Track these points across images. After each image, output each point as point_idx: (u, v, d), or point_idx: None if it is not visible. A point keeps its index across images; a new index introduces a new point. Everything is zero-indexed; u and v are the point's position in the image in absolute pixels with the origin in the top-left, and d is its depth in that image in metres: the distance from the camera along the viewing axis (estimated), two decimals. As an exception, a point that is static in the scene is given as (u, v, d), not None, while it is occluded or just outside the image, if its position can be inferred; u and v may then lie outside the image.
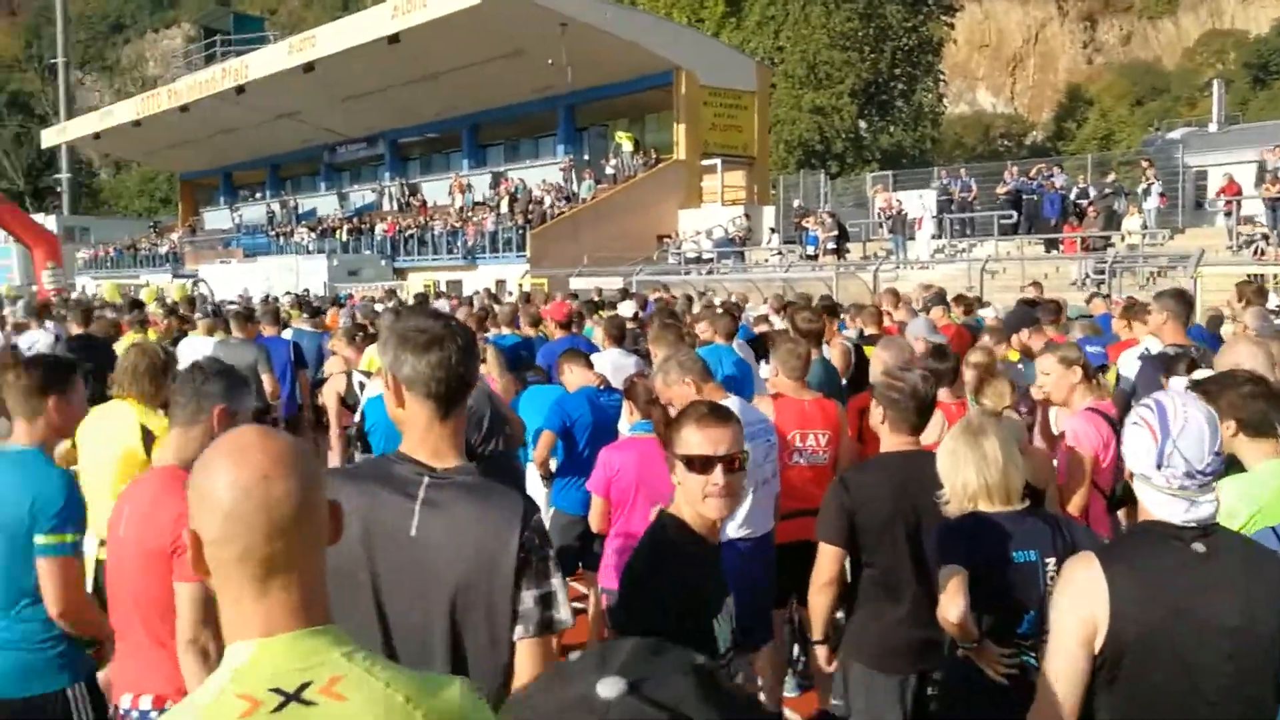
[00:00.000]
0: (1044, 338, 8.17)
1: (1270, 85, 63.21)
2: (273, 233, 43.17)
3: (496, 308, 13.79)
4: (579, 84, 31.21)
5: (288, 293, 23.87)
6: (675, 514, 2.79)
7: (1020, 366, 7.61)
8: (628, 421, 5.32)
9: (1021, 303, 10.23)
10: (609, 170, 32.86)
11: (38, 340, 12.15)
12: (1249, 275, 15.09)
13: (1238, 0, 76.07)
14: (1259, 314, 7.19)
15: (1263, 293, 9.22)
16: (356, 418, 6.77)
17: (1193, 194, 25.11)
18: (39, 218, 48.14)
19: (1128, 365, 6.73)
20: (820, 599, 3.79)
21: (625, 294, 18.71)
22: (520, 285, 25.68)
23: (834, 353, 7.49)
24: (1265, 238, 19.35)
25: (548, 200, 32.39)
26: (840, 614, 4.00)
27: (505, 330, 10.83)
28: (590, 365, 6.70)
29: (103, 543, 4.48)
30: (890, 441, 3.87)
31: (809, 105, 47.37)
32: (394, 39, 31.07)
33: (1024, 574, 3.24)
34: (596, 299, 16.63)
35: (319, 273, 31.26)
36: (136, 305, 15.70)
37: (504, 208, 33.06)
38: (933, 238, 24.46)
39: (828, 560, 3.78)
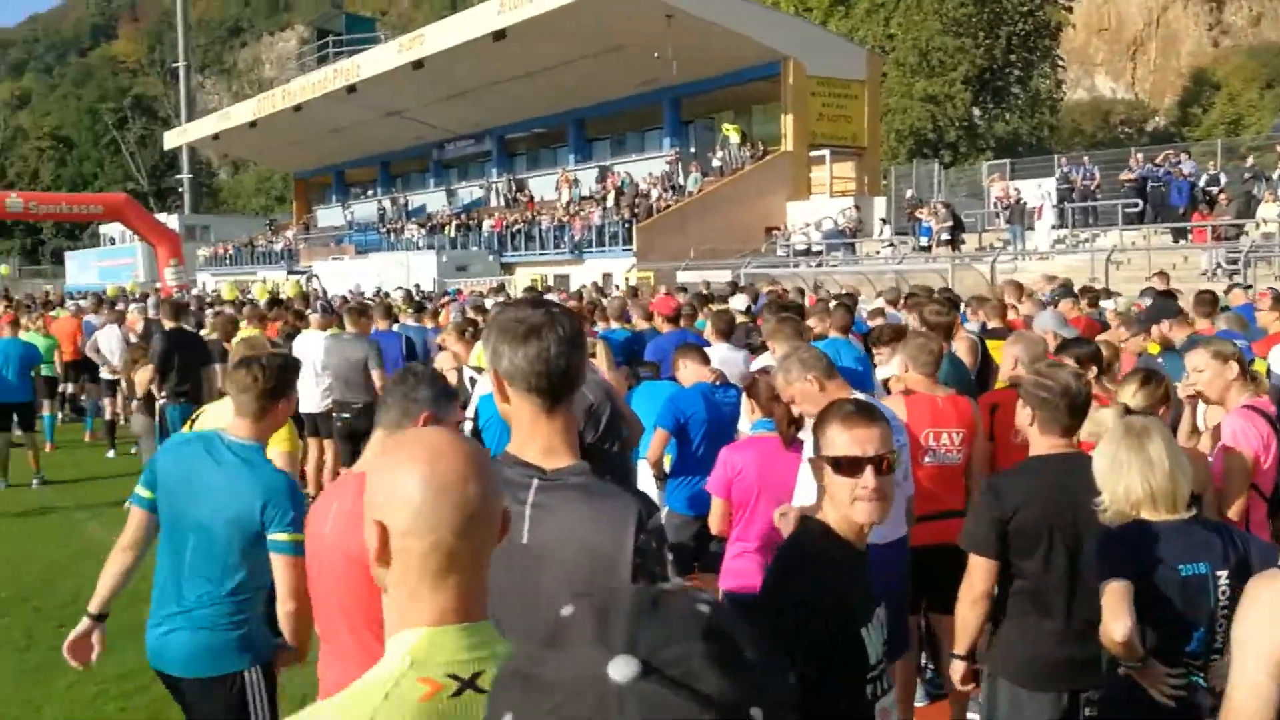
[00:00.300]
0: (1186, 330, 7.72)
1: None
2: (383, 229, 43.92)
3: (604, 301, 13.68)
4: (684, 76, 31.00)
5: (399, 288, 24.16)
6: (820, 518, 2.61)
7: (1160, 360, 7.19)
8: (748, 420, 5.10)
9: (1157, 294, 9.72)
10: (715, 163, 32.60)
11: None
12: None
13: (1375, -23, 72.41)
14: None
15: None
16: (469, 413, 6.68)
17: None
18: (162, 217, 49.85)
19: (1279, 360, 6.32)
20: (973, 613, 3.53)
21: (734, 287, 18.45)
22: (627, 279, 25.59)
23: (960, 347, 7.14)
24: None
25: (654, 194, 32.28)
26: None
27: (614, 324, 10.69)
28: (706, 360, 6.49)
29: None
30: (1041, 444, 3.58)
31: (921, 93, 46.35)
32: (500, 35, 31.29)
33: (1193, 588, 3.03)
34: (705, 292, 16.39)
35: (429, 268, 31.65)
36: (276, 303, 15.97)
37: (610, 201, 33.07)
38: (1053, 228, 23.66)
39: (980, 573, 3.51)
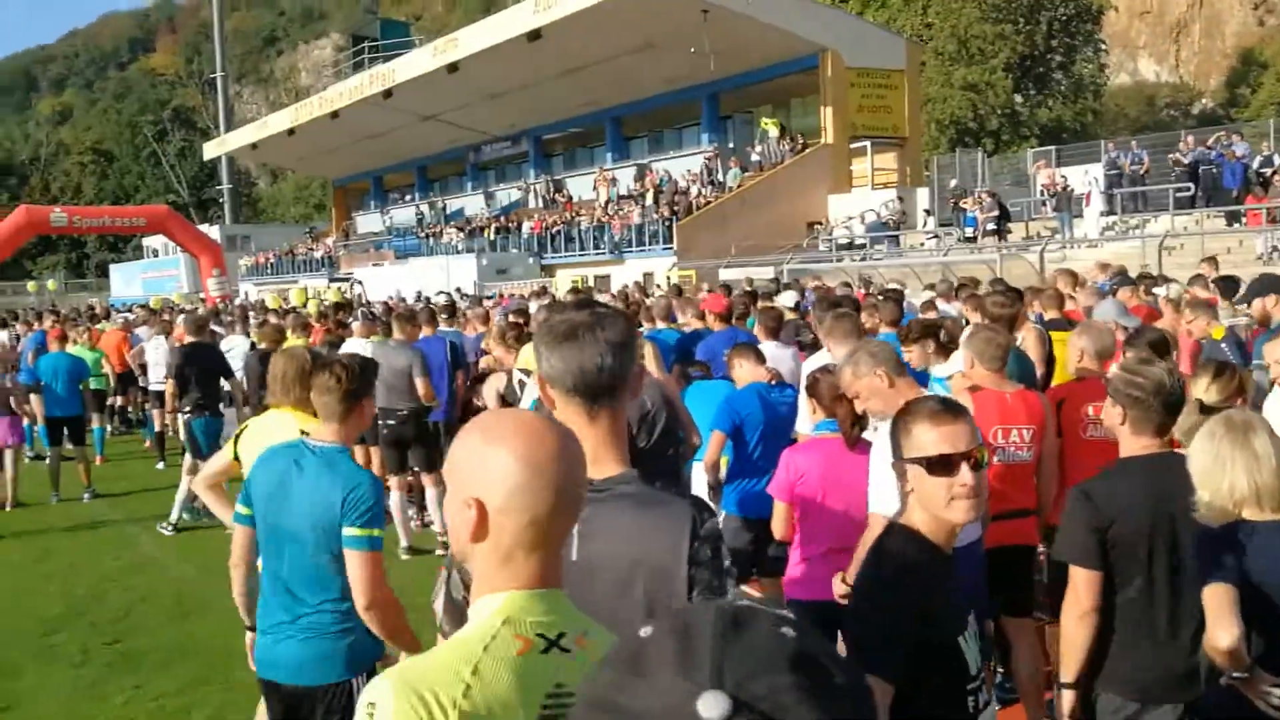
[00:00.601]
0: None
1: None
2: (422, 234, 44.04)
3: (648, 301, 13.53)
4: (721, 71, 30.81)
5: (440, 292, 24.15)
6: (905, 523, 2.46)
7: (1224, 346, 6.93)
8: (810, 421, 4.93)
9: (1222, 279, 9.41)
10: (755, 158, 32.38)
11: (235, 345, 12.63)
12: None
13: None
14: None
15: None
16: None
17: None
18: (203, 228, 50.34)
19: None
20: (1081, 631, 3.30)
21: (779, 284, 18.27)
22: (668, 278, 25.44)
23: (1028, 339, 6.91)
24: None
25: (693, 190, 32.10)
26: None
27: (660, 324, 10.52)
28: (761, 359, 6.32)
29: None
30: (1132, 444, 3.38)
31: (961, 82, 45.81)
32: (535, 35, 31.27)
33: (1302, 592, 2.84)
34: (748, 288, 16.20)
35: (469, 272, 31.67)
36: (341, 307, 15.99)
37: (649, 200, 32.92)
38: (1101, 214, 23.22)
39: (1085, 586, 3.28)
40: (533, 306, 12.41)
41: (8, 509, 10.92)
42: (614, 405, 2.09)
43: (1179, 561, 3.20)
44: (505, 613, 1.51)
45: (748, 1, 28.04)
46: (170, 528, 9.77)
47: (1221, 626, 2.77)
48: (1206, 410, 3.73)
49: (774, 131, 32.36)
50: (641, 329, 10.02)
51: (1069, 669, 3.35)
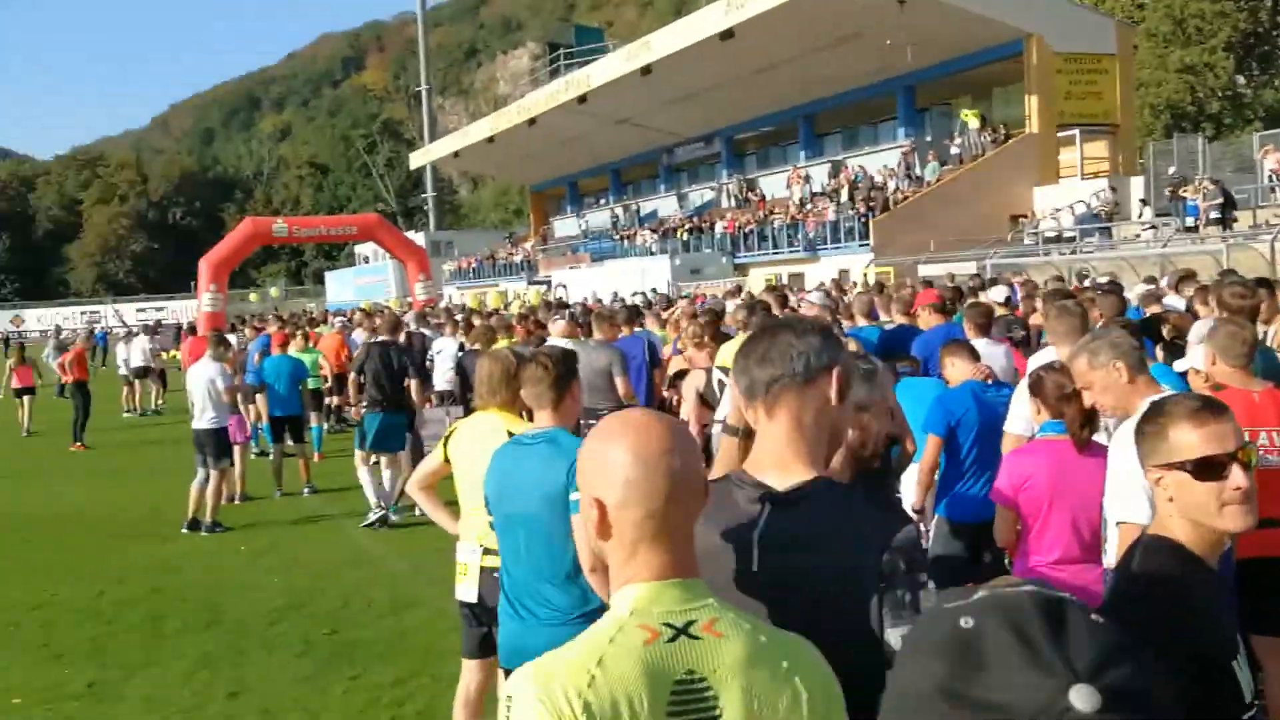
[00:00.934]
0: None
1: None
2: (617, 236, 44.62)
3: (848, 298, 13.24)
4: (919, 63, 30.00)
5: (635, 293, 24.35)
6: (1161, 534, 2.22)
7: None
8: (1034, 422, 4.64)
9: None
10: (954, 150, 31.38)
11: (444, 347, 13.10)
12: None
13: None
14: None
15: None
16: (718, 415, 6.46)
17: None
18: (409, 235, 52.38)
19: None
20: None
21: (980, 279, 17.60)
22: (865, 275, 24.91)
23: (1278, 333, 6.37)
24: None
25: (890, 186, 31.37)
26: None
27: (862, 321, 10.25)
28: (975, 356, 6.03)
29: (487, 551, 4.40)
30: None
31: (1177, 64, 43.16)
32: (727, 35, 31.17)
33: None
34: (954, 284, 15.67)
35: (663, 273, 31.83)
36: (562, 304, 16.29)
37: (844, 197, 32.37)
38: (1340, 199, 21.46)
39: None
40: (729, 306, 12.29)
41: (236, 502, 11.56)
42: (803, 404, 1.98)
43: None
44: (633, 605, 1.57)
45: (946, -11, 27.19)
46: (377, 522, 10.10)
47: None
48: None
49: (974, 123, 31.26)
50: (842, 326, 9.78)
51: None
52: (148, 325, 32.48)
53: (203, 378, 10.58)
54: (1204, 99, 43.51)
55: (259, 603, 7.88)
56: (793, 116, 39.38)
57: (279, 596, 8.03)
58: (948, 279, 18.00)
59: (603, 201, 53.50)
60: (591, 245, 45.38)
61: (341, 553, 9.36)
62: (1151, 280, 12.68)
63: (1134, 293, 11.49)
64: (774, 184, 39.70)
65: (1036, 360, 5.97)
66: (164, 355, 25.07)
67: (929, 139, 33.60)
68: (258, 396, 12.49)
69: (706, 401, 7.88)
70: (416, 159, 62.23)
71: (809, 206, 34.10)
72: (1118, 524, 3.53)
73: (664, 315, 14.27)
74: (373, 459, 10.39)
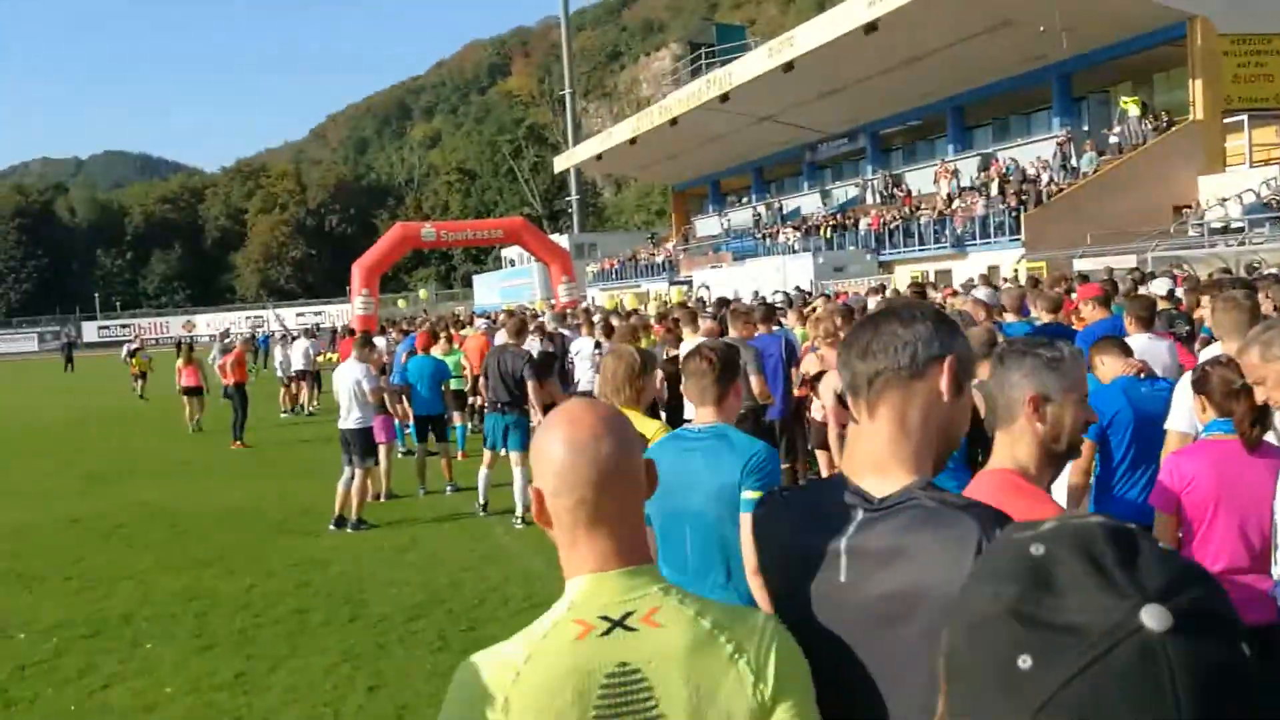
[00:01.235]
0: None
1: None
2: (759, 235, 44.32)
3: (994, 294, 12.79)
4: (1074, 49, 28.82)
5: (776, 292, 24.07)
6: None
7: None
8: (1199, 421, 4.30)
9: None
10: (1112, 140, 30.08)
11: (582, 348, 13.20)
12: None
13: None
14: None
15: None
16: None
17: None
18: (554, 238, 53.13)
19: None
20: None
21: (1140, 272, 16.78)
22: (1015, 271, 24.09)
23: None
24: None
25: (1043, 179, 30.29)
26: None
27: (1011, 317, 9.87)
28: (1126, 351, 5.69)
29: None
30: None
31: (1356, 42, 40.58)
32: (871, 27, 30.56)
33: None
34: (1108, 279, 14.98)
35: (805, 271, 31.41)
36: (702, 304, 16.32)
37: (994, 190, 31.41)
38: None
39: None
40: (870, 304, 11.98)
41: (382, 500, 11.81)
42: (909, 400, 1.77)
43: None
44: (572, 599, 1.58)
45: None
46: (519, 520, 10.22)
47: None
48: None
49: (1134, 110, 29.91)
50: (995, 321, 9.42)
51: None
52: (307, 329, 33.68)
53: (348, 379, 10.82)
54: (1388, 78, 40.70)
55: (399, 598, 7.99)
56: (940, 109, 38.43)
57: (419, 593, 8.13)
58: (1105, 273, 17.21)
59: (745, 200, 53.25)
60: (733, 244, 45.18)
61: (481, 550, 9.45)
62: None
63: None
64: (921, 179, 38.82)
65: (1205, 356, 5.59)
66: (320, 358, 25.91)
67: (1086, 128, 32.36)
68: (403, 397, 12.75)
69: (843, 401, 7.65)
70: (560, 162, 63.03)
71: (957, 202, 33.21)
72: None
73: (805, 313, 14.03)
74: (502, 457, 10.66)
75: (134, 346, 32.87)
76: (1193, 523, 4.01)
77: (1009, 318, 9.91)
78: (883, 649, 1.66)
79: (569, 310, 23.41)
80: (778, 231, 42.54)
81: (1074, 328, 8.89)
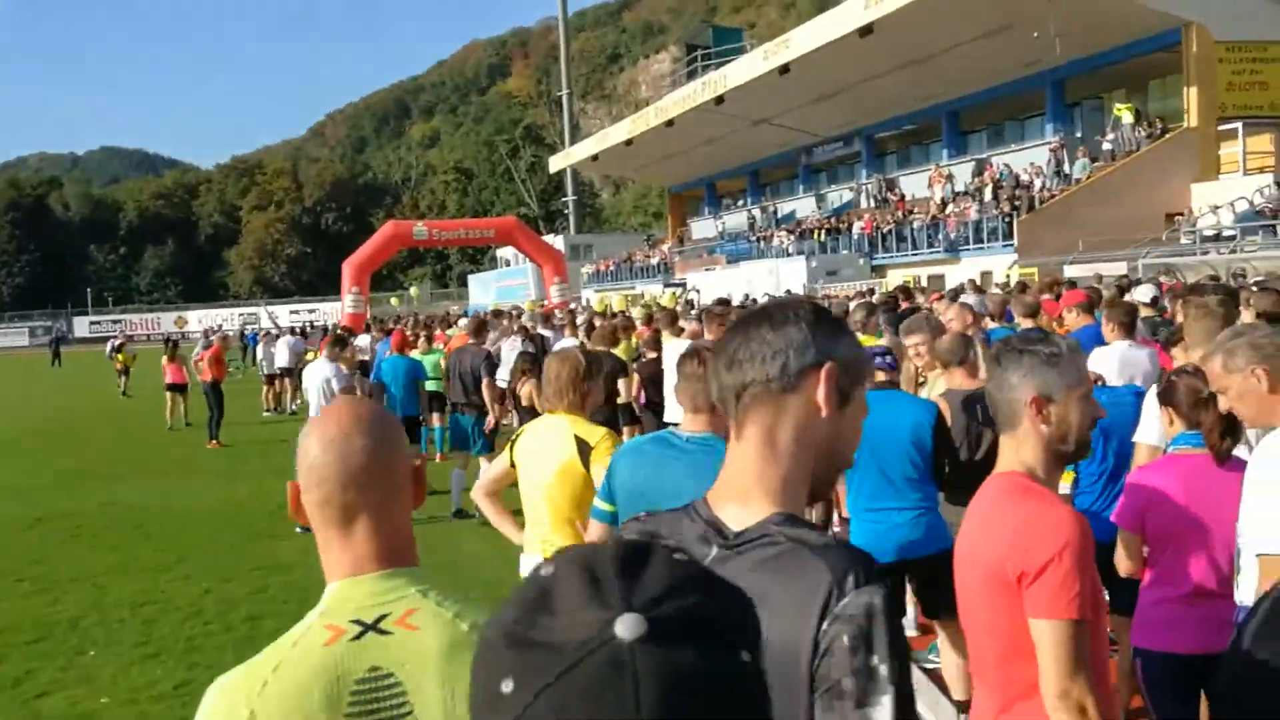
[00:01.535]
0: None
1: None
2: (753, 238, 44.17)
3: (984, 298, 12.63)
4: (1068, 55, 28.60)
5: (765, 294, 23.91)
6: None
7: None
8: (1166, 434, 4.09)
9: None
10: (1106, 146, 29.91)
11: (566, 347, 12.99)
12: None
13: None
14: None
15: None
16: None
17: None
18: (549, 238, 53.00)
19: None
20: None
21: (1127, 279, 16.63)
22: (1008, 276, 23.91)
23: None
24: None
25: (1036, 184, 30.13)
26: None
27: (993, 323, 9.73)
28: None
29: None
30: None
31: (1353, 51, 40.46)
32: (866, 31, 30.38)
33: None
34: (1095, 285, 14.82)
35: (798, 275, 31.25)
36: (689, 306, 16.16)
37: (988, 196, 31.25)
38: None
39: None
40: (852, 307, 11.79)
41: (352, 503, 11.59)
42: (779, 417, 1.52)
43: None
44: (325, 604, 1.54)
45: (1099, -24, 25.89)
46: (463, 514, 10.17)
47: None
48: None
49: (1128, 117, 29.74)
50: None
51: None
52: (293, 327, 33.44)
53: (318, 377, 10.63)
54: (1385, 88, 40.60)
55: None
56: (935, 114, 38.26)
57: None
58: (1095, 280, 17.05)
59: (740, 203, 53.12)
60: (728, 247, 45.03)
61: (444, 556, 9.22)
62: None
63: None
64: (915, 183, 38.68)
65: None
66: (309, 355, 25.71)
67: (1079, 135, 32.19)
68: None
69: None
70: (556, 162, 62.84)
71: (950, 207, 33.05)
72: (1257, 556, 3.02)
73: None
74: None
75: (118, 342, 32.65)
76: (1159, 542, 3.80)
77: (991, 324, 9.77)
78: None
79: (555, 310, 23.22)
80: (772, 235, 42.38)
81: (1056, 333, 8.71)
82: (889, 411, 5.04)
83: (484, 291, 62.18)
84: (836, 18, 32.47)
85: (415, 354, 13.71)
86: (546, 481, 4.19)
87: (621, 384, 10.67)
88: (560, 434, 4.19)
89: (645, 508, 3.32)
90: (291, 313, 72.50)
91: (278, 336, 25.56)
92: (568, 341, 13.54)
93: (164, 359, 20.68)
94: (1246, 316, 6.73)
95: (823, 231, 38.37)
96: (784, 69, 35.25)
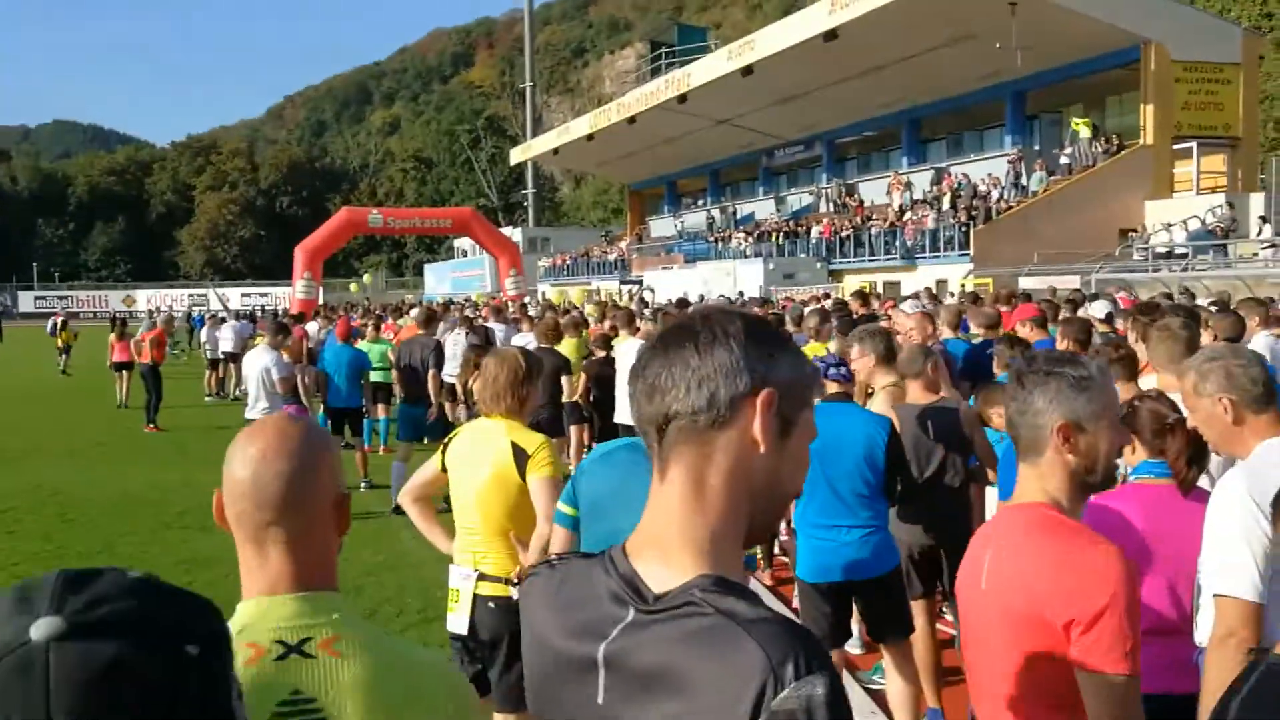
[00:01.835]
0: None
1: None
2: (712, 238, 44.07)
3: (940, 308, 12.50)
4: (1029, 68, 28.84)
5: (720, 296, 23.76)
6: None
7: None
8: (1128, 462, 3.94)
9: None
10: (1063, 160, 30.17)
11: (523, 342, 12.74)
12: None
13: None
14: None
15: None
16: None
17: None
18: (507, 230, 52.59)
19: None
20: None
21: (1081, 293, 16.65)
22: (963, 286, 23.96)
23: None
24: None
25: (994, 195, 30.28)
26: None
27: (948, 333, 9.56)
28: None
29: (483, 578, 3.93)
30: None
31: (1306, 76, 41.14)
32: (831, 35, 30.40)
33: None
34: (1050, 299, 14.78)
35: (755, 277, 31.16)
36: (644, 305, 15.93)
37: (945, 204, 31.36)
38: None
39: None
40: (807, 312, 11.62)
41: (289, 495, 11.27)
42: (706, 456, 1.27)
43: None
44: (242, 620, 1.51)
45: (1061, -8, 26.02)
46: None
47: None
48: None
49: (1085, 132, 29.99)
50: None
51: None
52: (239, 311, 32.85)
53: (257, 365, 10.30)
54: (1336, 114, 41.39)
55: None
56: (896, 121, 38.43)
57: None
58: (1049, 292, 17.06)
59: (700, 202, 53.05)
60: (686, 246, 44.91)
61: (384, 554, 8.98)
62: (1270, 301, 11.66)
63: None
64: (874, 189, 38.81)
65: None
66: (255, 340, 25.24)
67: (1037, 148, 32.49)
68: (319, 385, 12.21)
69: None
70: (516, 155, 62.47)
71: (909, 214, 33.14)
72: (1215, 596, 2.88)
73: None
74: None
75: (60, 319, 31.89)
76: (1117, 574, 3.64)
77: (946, 334, 9.60)
78: None
79: (507, 303, 22.92)
80: (730, 235, 42.32)
81: (1083, 355, 8.59)
82: (841, 425, 4.86)
83: (440, 281, 61.67)
84: (801, 21, 32.46)
85: (362, 344, 13.43)
86: (479, 489, 3.96)
87: (565, 382, 10.46)
88: (496, 440, 3.96)
89: (604, 518, 3.15)
90: (243, 296, 71.47)
91: (223, 320, 25.03)
92: (524, 337, 13.27)
93: (112, 337, 20.32)
94: (1205, 338, 6.64)
95: (781, 234, 38.35)
96: (748, 70, 35.19)
